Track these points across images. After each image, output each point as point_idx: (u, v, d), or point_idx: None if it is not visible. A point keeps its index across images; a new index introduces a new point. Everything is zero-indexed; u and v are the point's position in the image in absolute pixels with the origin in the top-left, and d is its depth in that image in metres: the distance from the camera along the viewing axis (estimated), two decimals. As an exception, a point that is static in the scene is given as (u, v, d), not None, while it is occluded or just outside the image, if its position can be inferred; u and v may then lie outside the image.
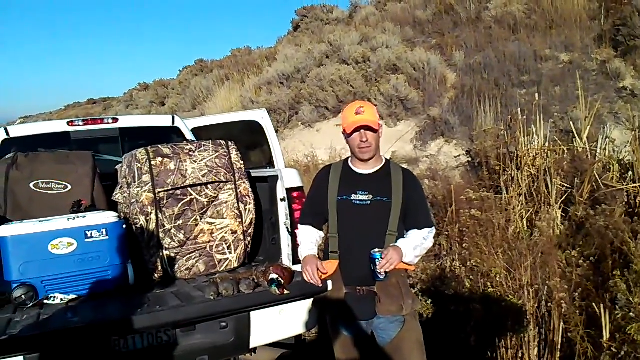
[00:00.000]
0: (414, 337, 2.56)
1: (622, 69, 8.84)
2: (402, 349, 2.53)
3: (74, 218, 2.78)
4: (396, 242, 2.51)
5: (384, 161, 2.67)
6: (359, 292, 2.54)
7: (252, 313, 2.70)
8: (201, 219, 3.11)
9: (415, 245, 2.52)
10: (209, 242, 3.11)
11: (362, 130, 2.53)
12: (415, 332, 2.58)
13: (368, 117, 2.52)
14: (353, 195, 2.56)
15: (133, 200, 3.01)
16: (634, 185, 4.35)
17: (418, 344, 2.57)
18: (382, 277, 2.44)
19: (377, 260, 2.42)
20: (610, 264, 3.46)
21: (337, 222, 2.58)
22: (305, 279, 2.62)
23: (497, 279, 3.68)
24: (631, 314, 2.98)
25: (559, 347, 3.24)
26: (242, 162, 3.26)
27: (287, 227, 3.15)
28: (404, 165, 7.12)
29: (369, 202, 2.54)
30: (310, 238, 2.71)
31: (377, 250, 2.44)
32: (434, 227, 2.64)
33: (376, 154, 2.61)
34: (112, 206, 3.23)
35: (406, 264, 2.52)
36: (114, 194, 3.27)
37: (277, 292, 2.64)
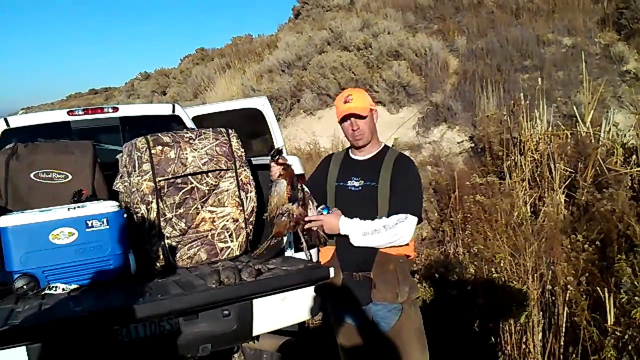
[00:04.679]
0: (412, 325, 2.57)
1: (625, 53, 8.77)
2: (402, 337, 2.53)
3: (75, 208, 2.76)
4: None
5: (381, 147, 2.67)
6: (355, 278, 2.54)
7: (254, 301, 2.69)
8: (202, 207, 3.09)
9: (367, 230, 2.45)
10: (210, 230, 3.10)
11: (352, 119, 2.55)
12: (414, 320, 2.58)
13: (356, 104, 2.53)
14: (349, 182, 2.60)
15: (133, 189, 2.99)
16: (638, 169, 4.31)
17: (417, 332, 2.58)
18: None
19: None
20: (615, 248, 3.44)
21: (334, 208, 2.61)
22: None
23: (501, 265, 3.66)
24: (636, 297, 2.96)
25: (564, 331, 3.23)
26: (243, 150, 3.23)
27: None
28: (406, 152, 7.09)
29: (360, 187, 2.56)
30: None
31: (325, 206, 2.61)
32: (411, 216, 2.45)
33: (371, 140, 2.61)
34: (113, 195, 3.22)
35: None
36: (115, 183, 3.25)
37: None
